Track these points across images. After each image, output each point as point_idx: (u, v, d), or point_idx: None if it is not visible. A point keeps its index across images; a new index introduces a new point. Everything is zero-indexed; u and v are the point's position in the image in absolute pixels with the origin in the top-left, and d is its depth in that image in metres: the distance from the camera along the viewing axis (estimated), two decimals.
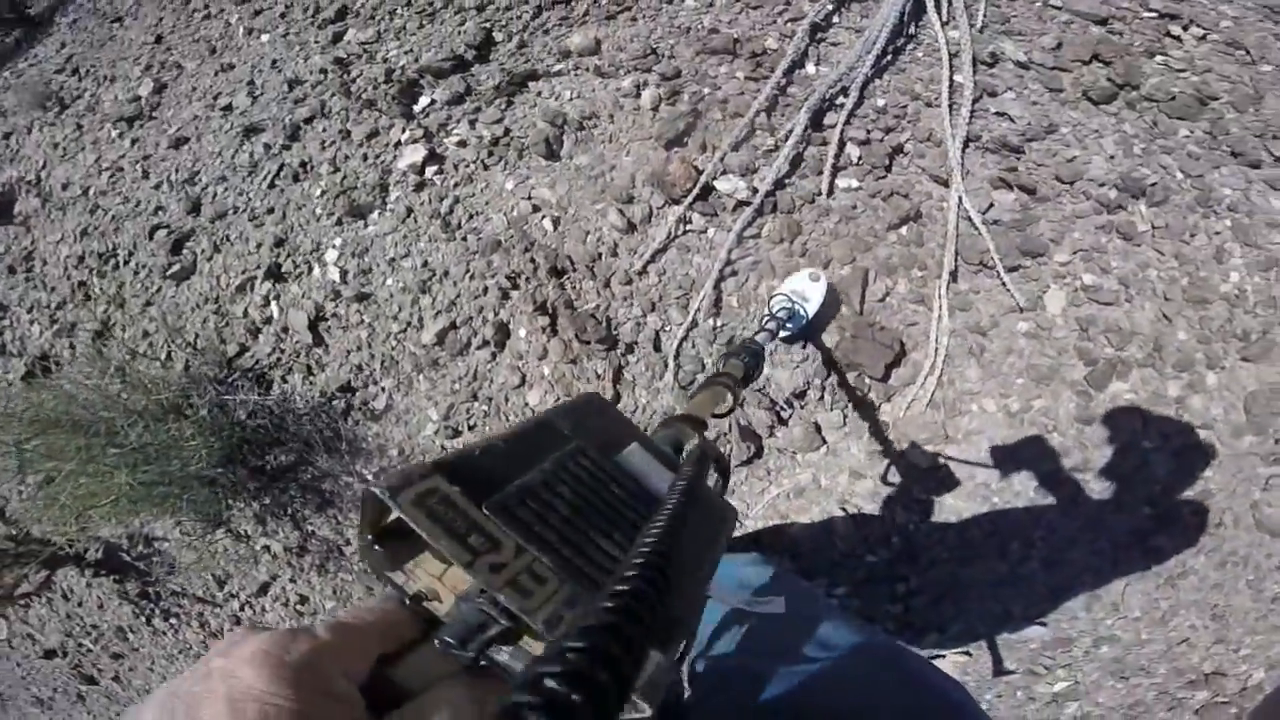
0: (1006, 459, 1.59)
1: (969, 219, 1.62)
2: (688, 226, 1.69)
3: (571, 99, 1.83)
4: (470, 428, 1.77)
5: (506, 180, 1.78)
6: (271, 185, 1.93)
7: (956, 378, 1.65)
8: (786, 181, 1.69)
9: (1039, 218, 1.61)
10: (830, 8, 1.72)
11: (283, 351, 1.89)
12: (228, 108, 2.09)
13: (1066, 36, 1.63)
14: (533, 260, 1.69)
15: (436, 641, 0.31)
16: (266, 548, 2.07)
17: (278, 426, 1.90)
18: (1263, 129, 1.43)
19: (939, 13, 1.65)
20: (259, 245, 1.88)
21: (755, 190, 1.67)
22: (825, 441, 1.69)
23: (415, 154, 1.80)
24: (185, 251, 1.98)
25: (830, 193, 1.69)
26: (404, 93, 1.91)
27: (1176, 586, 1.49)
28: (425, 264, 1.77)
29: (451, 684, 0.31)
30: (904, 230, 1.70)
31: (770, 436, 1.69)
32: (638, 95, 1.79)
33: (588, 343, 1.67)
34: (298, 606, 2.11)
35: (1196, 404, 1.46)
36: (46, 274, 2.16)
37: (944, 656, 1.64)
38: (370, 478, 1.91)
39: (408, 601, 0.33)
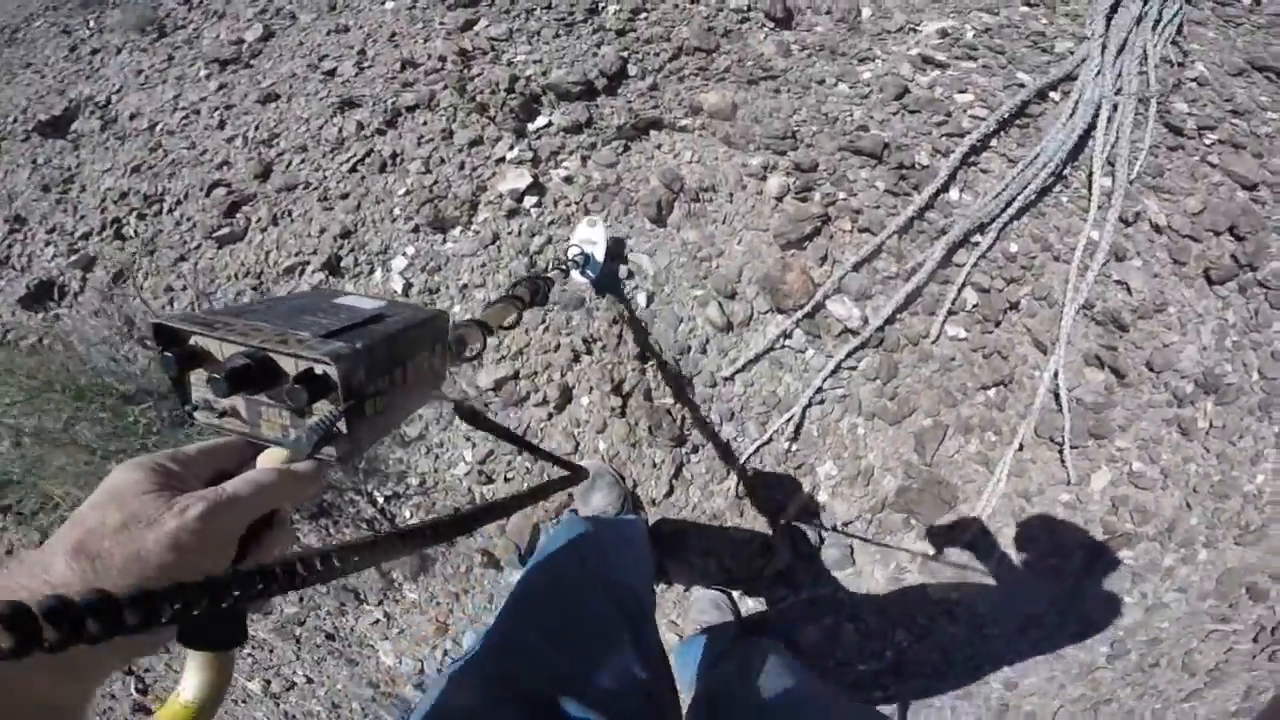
0: (1003, 601, 1.61)
1: (1055, 393, 1.53)
2: (787, 341, 1.56)
3: (692, 161, 1.70)
4: (507, 479, 1.64)
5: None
6: (353, 169, 1.78)
7: (994, 533, 1.61)
8: (897, 316, 1.57)
9: (1117, 403, 1.54)
10: (991, 128, 1.60)
11: None
12: (331, 73, 1.94)
13: (1211, 201, 1.57)
14: (619, 334, 1.55)
15: (208, 379, 0.44)
16: None
17: None
18: None
19: (1098, 157, 1.56)
20: (323, 230, 1.73)
21: (866, 321, 1.55)
22: (854, 563, 1.64)
23: (519, 179, 1.66)
24: (239, 216, 1.83)
25: (936, 338, 1.58)
26: (524, 107, 1.77)
27: (1099, 712, 1.55)
28: None
29: (253, 470, 0.47)
30: (992, 392, 1.60)
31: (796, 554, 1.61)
32: (764, 178, 1.66)
33: (656, 436, 1.54)
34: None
35: (1182, 572, 1.50)
36: (81, 201, 1.99)
37: None
38: (380, 500, 1.77)
39: (217, 417, 0.49)
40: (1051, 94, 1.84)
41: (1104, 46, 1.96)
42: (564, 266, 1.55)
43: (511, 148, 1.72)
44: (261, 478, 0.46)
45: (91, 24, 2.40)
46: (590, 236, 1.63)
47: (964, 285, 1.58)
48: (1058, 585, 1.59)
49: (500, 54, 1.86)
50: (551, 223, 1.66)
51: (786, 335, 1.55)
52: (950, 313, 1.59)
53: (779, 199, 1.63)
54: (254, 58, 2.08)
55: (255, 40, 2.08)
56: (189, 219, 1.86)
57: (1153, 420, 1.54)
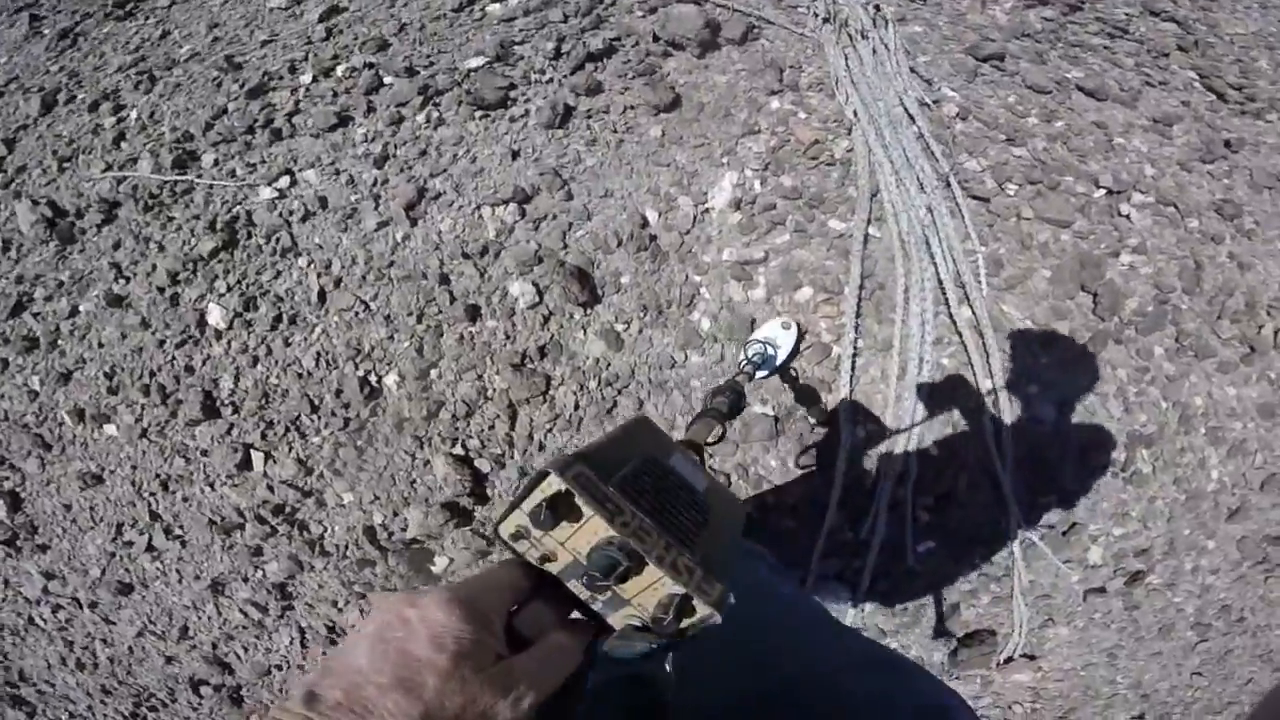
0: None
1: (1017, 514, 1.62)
2: None
3: None
4: None
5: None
6: None
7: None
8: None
9: (1073, 512, 1.63)
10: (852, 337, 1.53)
11: None
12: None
13: (1052, 264, 1.61)
14: None
15: (580, 579, 0.44)
16: None
17: None
18: (1208, 310, 1.59)
19: (949, 287, 1.58)
20: None
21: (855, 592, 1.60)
22: None
23: None
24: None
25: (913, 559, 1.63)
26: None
27: (1227, 659, 1.83)
28: None
29: (558, 633, 0.43)
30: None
31: None
32: None
33: None
34: None
35: (1204, 562, 1.71)
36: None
37: None
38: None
39: (536, 562, 0.45)
40: (872, 231, 1.63)
41: (876, 127, 1.69)
42: (748, 370, 1.37)
43: None
44: (570, 659, 0.43)
45: None
46: (776, 338, 1.53)
47: (913, 513, 1.59)
48: (1106, 635, 1.78)
49: (324, 504, 1.57)
50: None
51: None
52: (914, 547, 1.61)
53: None
54: (33, 533, 1.78)
55: (7, 514, 1.74)
56: None
57: (1109, 491, 1.63)
